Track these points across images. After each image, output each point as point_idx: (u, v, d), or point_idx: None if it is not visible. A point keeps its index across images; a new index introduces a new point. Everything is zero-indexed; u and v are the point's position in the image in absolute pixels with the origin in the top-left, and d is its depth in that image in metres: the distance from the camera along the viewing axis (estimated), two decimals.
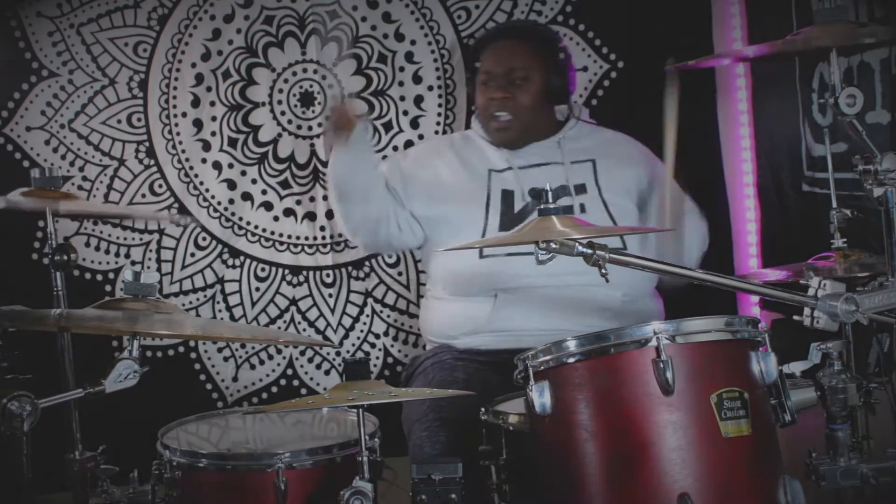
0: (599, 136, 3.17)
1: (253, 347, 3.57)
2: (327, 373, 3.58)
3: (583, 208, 2.97)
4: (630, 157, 3.12)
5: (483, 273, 2.94)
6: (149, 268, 3.51)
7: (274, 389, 3.57)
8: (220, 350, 3.57)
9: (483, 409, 2.38)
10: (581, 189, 3.02)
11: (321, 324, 3.57)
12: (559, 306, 2.89)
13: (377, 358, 3.57)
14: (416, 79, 3.54)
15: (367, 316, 3.58)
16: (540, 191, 2.06)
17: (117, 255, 3.54)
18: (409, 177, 3.12)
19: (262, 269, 3.57)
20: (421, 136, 3.53)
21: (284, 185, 3.55)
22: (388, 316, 3.57)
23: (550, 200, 2.05)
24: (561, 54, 3.11)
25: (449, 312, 3.05)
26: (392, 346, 3.57)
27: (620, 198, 3.03)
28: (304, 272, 3.57)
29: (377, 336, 3.58)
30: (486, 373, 2.86)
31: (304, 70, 3.52)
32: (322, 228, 3.55)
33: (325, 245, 3.56)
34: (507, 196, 3.02)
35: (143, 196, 3.51)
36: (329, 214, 3.54)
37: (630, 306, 2.93)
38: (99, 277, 3.53)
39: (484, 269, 2.94)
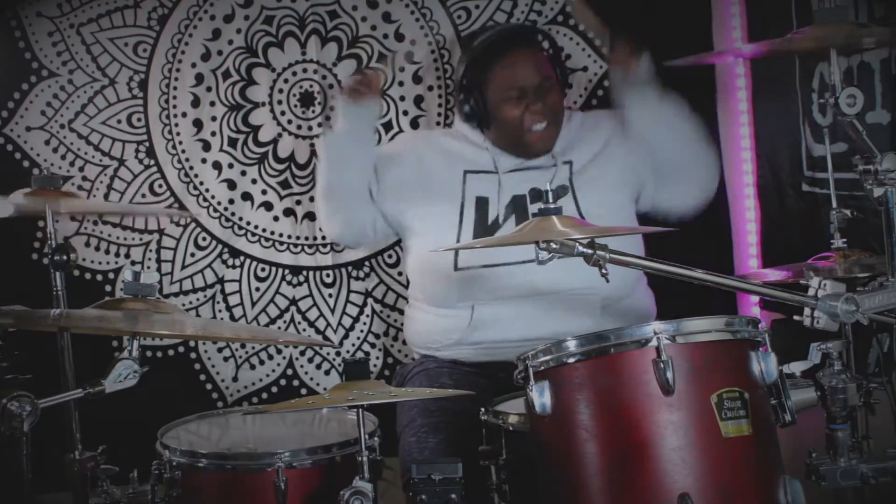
0: (576, 121, 3.11)
1: (253, 347, 3.57)
2: (327, 373, 3.58)
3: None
4: (597, 135, 3.08)
5: (459, 285, 2.91)
6: (149, 268, 3.51)
7: (274, 389, 3.57)
8: (220, 350, 3.56)
9: (483, 409, 2.38)
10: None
11: (321, 324, 3.57)
12: (538, 317, 2.85)
13: (377, 358, 3.56)
14: (416, 79, 3.54)
15: (367, 316, 3.57)
16: (540, 191, 2.06)
17: (117, 255, 3.53)
18: (381, 173, 3.07)
19: (262, 269, 3.56)
20: None
21: (284, 185, 3.54)
22: (388, 316, 3.57)
23: (551, 200, 2.05)
24: (551, 49, 3.12)
25: (429, 323, 3.02)
26: (392, 346, 3.57)
27: (600, 195, 2.97)
28: (304, 272, 3.57)
29: (377, 336, 3.58)
30: (473, 377, 2.85)
31: (304, 70, 3.52)
32: (322, 228, 3.54)
33: (325, 245, 3.55)
34: (482, 203, 2.96)
35: (143, 196, 3.51)
36: None
37: (613, 308, 2.88)
38: (99, 277, 3.53)
39: (460, 281, 2.90)
